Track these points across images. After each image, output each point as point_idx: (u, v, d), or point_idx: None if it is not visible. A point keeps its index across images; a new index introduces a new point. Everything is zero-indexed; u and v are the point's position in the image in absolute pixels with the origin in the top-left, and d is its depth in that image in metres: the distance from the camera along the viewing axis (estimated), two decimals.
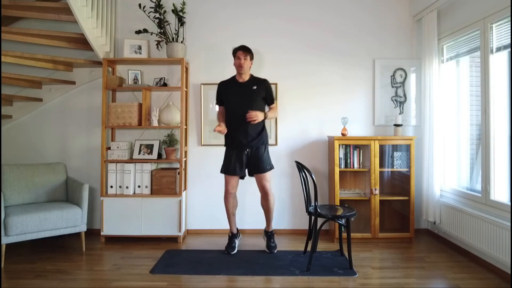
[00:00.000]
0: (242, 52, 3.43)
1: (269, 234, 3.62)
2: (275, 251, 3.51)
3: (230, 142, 3.51)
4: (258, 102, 3.47)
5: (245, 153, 3.45)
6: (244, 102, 3.40)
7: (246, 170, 3.53)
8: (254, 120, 3.31)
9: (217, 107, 3.75)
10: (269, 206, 3.55)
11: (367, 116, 4.22)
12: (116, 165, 3.90)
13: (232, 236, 3.61)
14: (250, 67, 3.52)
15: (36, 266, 3.19)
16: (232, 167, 3.46)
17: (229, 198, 3.53)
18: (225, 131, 3.41)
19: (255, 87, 3.48)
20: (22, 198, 3.62)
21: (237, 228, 3.69)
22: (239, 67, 3.44)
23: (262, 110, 3.49)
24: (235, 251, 3.52)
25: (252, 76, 3.56)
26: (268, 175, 3.50)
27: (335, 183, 3.81)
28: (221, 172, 3.53)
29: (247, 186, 3.97)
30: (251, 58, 3.50)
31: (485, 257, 3.16)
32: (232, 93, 3.50)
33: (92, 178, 4.13)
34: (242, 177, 3.57)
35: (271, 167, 3.54)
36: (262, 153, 3.47)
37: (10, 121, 4.18)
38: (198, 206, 4.18)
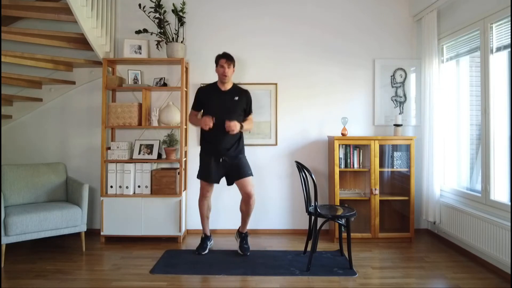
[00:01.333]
0: (226, 60, 3.35)
1: (243, 235, 3.55)
2: (248, 253, 3.44)
3: (207, 149, 3.44)
4: (238, 113, 3.42)
5: (221, 160, 3.39)
6: (224, 111, 3.34)
7: (225, 178, 3.49)
8: (233, 131, 3.26)
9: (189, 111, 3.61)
10: (250, 209, 3.47)
11: (367, 116, 4.22)
12: (116, 165, 3.90)
13: (205, 238, 3.59)
14: (232, 75, 3.45)
15: (36, 266, 3.19)
16: (212, 174, 3.39)
17: (203, 201, 3.50)
18: (210, 125, 3.28)
19: (236, 98, 3.41)
20: (22, 198, 3.62)
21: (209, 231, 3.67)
22: (222, 75, 3.36)
23: (240, 120, 3.42)
24: (207, 251, 3.51)
25: (234, 85, 3.50)
26: (252, 179, 3.44)
27: (335, 183, 3.81)
28: (199, 178, 3.46)
29: None
30: (234, 66, 3.43)
31: (485, 257, 3.16)
32: (213, 100, 3.42)
33: (92, 178, 4.13)
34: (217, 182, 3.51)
35: (252, 173, 3.48)
36: (242, 160, 3.42)
37: (10, 121, 4.18)
38: (198, 206, 4.17)
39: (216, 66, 3.41)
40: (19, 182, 3.63)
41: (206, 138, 3.44)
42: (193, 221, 4.18)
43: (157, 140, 4.05)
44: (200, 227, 4.14)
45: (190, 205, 4.18)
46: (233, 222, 3.94)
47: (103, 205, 3.82)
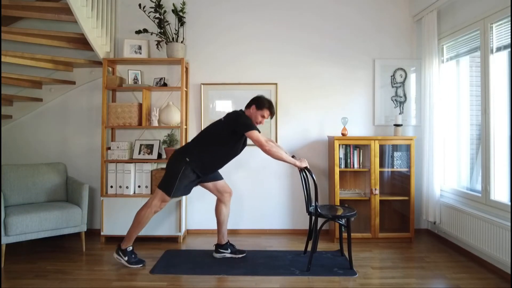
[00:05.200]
0: (271, 117, 3.27)
1: (228, 243, 3.41)
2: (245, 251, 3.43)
3: (202, 167, 3.12)
4: None
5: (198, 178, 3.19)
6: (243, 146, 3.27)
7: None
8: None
9: (257, 132, 3.08)
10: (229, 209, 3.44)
11: (367, 116, 4.22)
12: (116, 165, 3.90)
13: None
14: None
15: (36, 266, 3.19)
16: (183, 191, 3.17)
17: (153, 214, 3.18)
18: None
19: None
20: (22, 198, 3.62)
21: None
22: (256, 123, 3.20)
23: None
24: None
25: None
26: None
27: (335, 183, 3.81)
28: (168, 194, 3.06)
29: (243, 186, 3.98)
30: None
31: (485, 257, 3.16)
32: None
33: (92, 178, 4.12)
34: None
35: None
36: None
37: (10, 121, 4.18)
38: (198, 206, 4.18)
39: (257, 109, 3.17)
40: (19, 182, 3.62)
41: (211, 160, 3.16)
42: (193, 221, 4.18)
43: (157, 140, 4.05)
44: (201, 228, 4.16)
45: (190, 205, 4.17)
46: (236, 223, 3.93)
47: (103, 205, 3.81)
